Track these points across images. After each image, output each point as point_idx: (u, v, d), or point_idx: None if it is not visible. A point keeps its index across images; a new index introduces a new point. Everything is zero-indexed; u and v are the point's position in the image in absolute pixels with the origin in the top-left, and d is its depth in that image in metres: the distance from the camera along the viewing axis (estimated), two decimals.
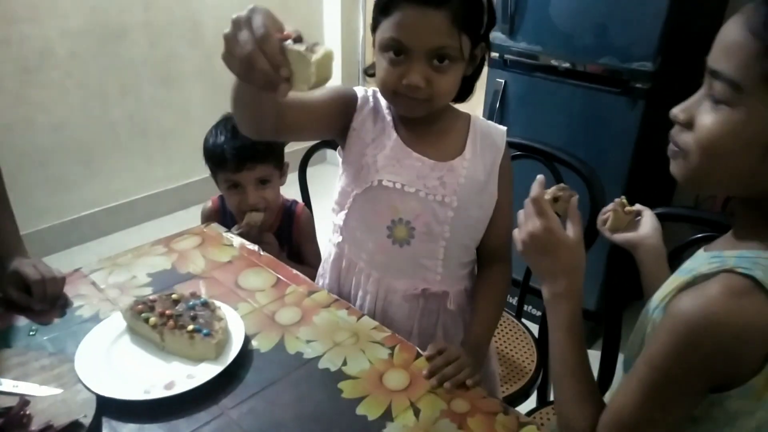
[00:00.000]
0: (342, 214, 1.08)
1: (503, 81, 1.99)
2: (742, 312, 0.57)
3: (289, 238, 1.45)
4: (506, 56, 1.97)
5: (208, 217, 1.46)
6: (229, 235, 1.21)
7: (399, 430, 0.75)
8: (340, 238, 1.11)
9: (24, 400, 0.74)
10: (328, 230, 1.14)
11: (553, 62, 1.85)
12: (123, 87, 2.66)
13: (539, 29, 1.86)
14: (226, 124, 1.35)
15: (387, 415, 0.78)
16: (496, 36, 1.95)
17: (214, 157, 1.34)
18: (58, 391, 0.77)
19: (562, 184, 0.81)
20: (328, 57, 0.64)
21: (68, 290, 1.01)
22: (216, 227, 1.25)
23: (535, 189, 0.76)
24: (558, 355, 0.74)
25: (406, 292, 1.05)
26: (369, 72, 1.01)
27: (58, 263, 1.03)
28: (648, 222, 0.94)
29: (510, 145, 1.43)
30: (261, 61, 0.64)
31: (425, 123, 1.01)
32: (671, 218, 1.13)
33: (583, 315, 0.75)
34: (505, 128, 1.07)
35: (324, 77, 0.66)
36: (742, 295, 0.57)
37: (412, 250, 1.03)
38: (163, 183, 2.99)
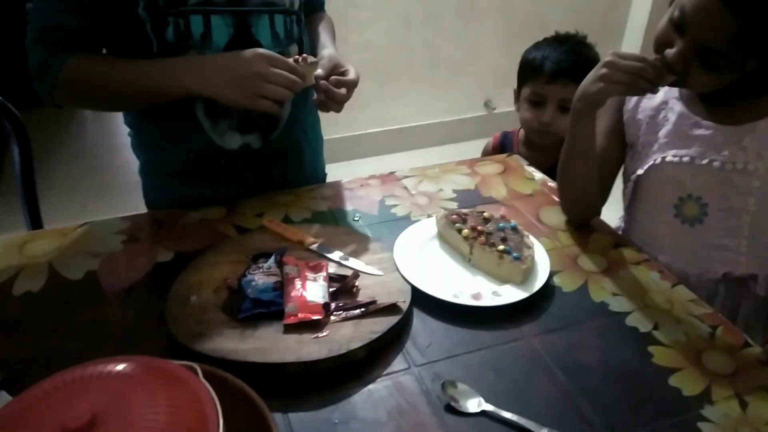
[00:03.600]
0: (626, 195, 1.03)
1: None
2: None
3: None
4: None
5: (487, 153, 1.47)
6: (531, 168, 1.19)
7: (721, 418, 0.66)
8: (624, 220, 1.07)
9: (356, 273, 0.82)
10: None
11: None
12: (426, 15, 2.77)
13: None
14: (554, 38, 1.35)
15: (705, 396, 0.69)
16: None
17: (530, 64, 1.34)
18: (380, 273, 0.84)
19: None
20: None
21: (384, 189, 1.10)
22: (518, 158, 1.23)
23: None
24: None
25: (701, 277, 0.94)
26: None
27: (339, 172, 1.15)
28: None
29: None
30: (646, 71, 0.81)
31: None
32: None
33: None
34: None
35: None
36: None
37: (705, 229, 0.92)
38: (442, 114, 3.10)
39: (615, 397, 0.69)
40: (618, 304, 0.83)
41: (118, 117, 1.10)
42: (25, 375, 0.53)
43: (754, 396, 0.69)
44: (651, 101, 0.96)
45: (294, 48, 1.00)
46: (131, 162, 1.12)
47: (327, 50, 1.03)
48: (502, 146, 1.47)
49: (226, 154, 0.99)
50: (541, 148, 1.36)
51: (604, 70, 0.83)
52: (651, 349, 0.75)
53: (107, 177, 2.79)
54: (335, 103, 0.96)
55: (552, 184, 1.12)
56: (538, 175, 1.16)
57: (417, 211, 1.03)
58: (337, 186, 1.11)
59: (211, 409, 0.48)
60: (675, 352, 0.75)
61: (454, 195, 1.09)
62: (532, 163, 1.21)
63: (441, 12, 2.78)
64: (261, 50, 0.85)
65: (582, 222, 1.01)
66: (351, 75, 0.96)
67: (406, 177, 1.14)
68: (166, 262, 0.90)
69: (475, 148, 1.68)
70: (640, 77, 0.80)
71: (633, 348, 0.76)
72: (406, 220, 1.00)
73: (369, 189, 1.10)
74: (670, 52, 0.81)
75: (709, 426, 0.65)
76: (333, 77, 0.95)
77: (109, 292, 0.84)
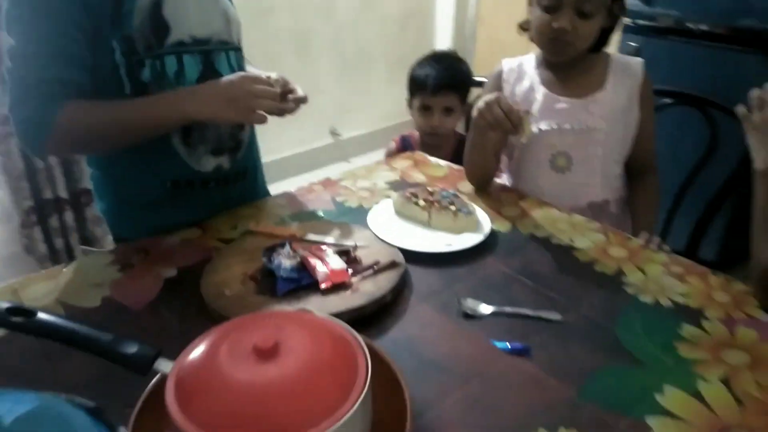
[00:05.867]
0: (511, 159, 1.36)
1: (637, 45, 2.15)
2: None
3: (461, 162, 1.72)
4: (639, 21, 2.13)
5: (391, 155, 1.73)
6: (434, 159, 1.46)
7: (634, 280, 0.97)
8: (508, 177, 1.39)
9: (355, 245, 1.00)
10: None
11: (689, 25, 2.00)
12: (268, 58, 2.96)
13: None
14: (433, 57, 1.65)
15: (621, 273, 1.00)
16: (631, 3, 2.12)
17: (417, 81, 1.63)
18: (368, 245, 1.02)
19: None
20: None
21: (330, 191, 1.28)
22: (421, 154, 1.50)
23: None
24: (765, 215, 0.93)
25: (573, 208, 1.27)
26: (523, 27, 1.27)
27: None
28: None
29: (662, 93, 1.64)
30: (506, 123, 1.09)
31: (568, 68, 1.25)
32: None
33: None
34: (642, 59, 1.30)
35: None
36: None
37: (573, 174, 1.29)
38: (290, 147, 3.30)
39: (549, 273, 0.97)
40: (540, 231, 1.12)
41: None
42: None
43: (648, 266, 1.02)
44: (521, 87, 1.30)
45: None
46: None
47: (271, 72, 1.18)
48: (403, 148, 1.74)
49: (200, 177, 1.09)
50: (434, 147, 1.65)
51: (481, 108, 1.12)
52: (574, 253, 1.05)
53: None
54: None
55: (455, 167, 1.41)
56: (443, 162, 1.44)
57: (366, 201, 1.24)
58: (288, 195, 1.27)
59: (360, 351, 0.62)
60: (592, 251, 1.06)
61: (389, 186, 1.31)
62: None
63: (280, 54, 3.01)
64: (244, 73, 0.99)
65: (484, 187, 1.30)
66: (300, 92, 1.12)
67: (342, 179, 1.34)
68: (173, 277, 0.98)
69: (329, 173, 1.87)
70: (501, 125, 1.10)
71: (557, 257, 1.05)
72: (361, 209, 1.20)
73: (316, 193, 1.28)
74: (556, 23, 1.15)
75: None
76: (287, 87, 1.10)
77: (136, 307, 0.90)
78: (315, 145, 3.36)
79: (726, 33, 1.93)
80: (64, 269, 0.99)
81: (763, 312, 0.90)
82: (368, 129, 3.57)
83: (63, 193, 2.22)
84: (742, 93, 1.98)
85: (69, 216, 2.26)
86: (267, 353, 0.57)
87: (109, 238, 1.19)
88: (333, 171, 1.78)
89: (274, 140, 3.17)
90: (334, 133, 3.41)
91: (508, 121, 1.09)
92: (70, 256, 2.29)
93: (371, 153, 3.40)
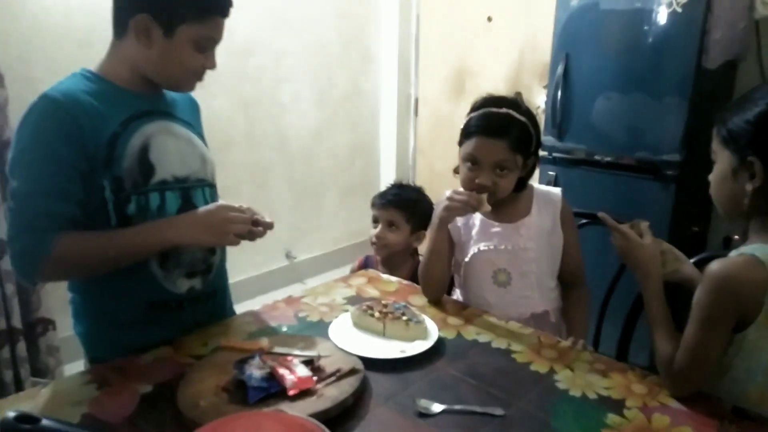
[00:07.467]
0: (459, 277, 1.53)
1: (554, 174, 2.47)
2: (745, 272, 0.97)
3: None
4: (555, 154, 2.47)
5: (354, 270, 1.89)
6: (386, 276, 1.62)
7: (564, 377, 1.12)
8: (461, 293, 1.55)
9: (318, 355, 1.11)
10: None
11: (597, 157, 2.34)
12: (226, 188, 3.13)
13: (582, 132, 2.38)
14: (394, 185, 1.95)
15: (553, 372, 1.14)
16: (547, 139, 2.47)
17: (375, 197, 1.91)
18: (330, 354, 1.13)
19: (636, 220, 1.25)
20: None
21: (293, 307, 1.40)
22: (374, 272, 1.66)
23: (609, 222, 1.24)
24: (652, 315, 1.13)
25: (519, 318, 1.44)
26: (456, 172, 1.50)
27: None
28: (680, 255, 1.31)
29: (578, 215, 1.90)
30: (471, 201, 1.31)
31: (498, 201, 1.45)
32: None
33: None
34: (560, 189, 1.55)
35: None
36: (747, 264, 0.98)
37: (513, 288, 1.47)
38: (247, 271, 3.40)
39: (491, 373, 1.10)
40: (482, 338, 1.27)
41: None
42: None
43: (575, 364, 1.17)
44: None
45: None
46: None
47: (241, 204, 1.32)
48: (365, 266, 1.90)
49: (175, 298, 1.20)
50: (393, 267, 1.83)
51: (447, 202, 1.33)
52: (512, 355, 1.20)
53: None
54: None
55: (405, 282, 1.57)
56: (393, 278, 1.60)
57: (326, 316, 1.36)
58: (253, 313, 1.38)
59: None
60: (526, 353, 1.20)
61: (346, 301, 1.45)
62: None
63: (237, 184, 3.22)
64: (221, 202, 1.15)
65: (438, 299, 1.45)
66: (268, 218, 1.27)
67: (304, 296, 1.47)
68: (149, 392, 1.05)
69: (285, 293, 1.97)
70: (468, 203, 1.32)
71: (499, 358, 1.19)
72: (322, 323, 1.32)
73: (280, 310, 1.39)
74: (479, 180, 1.36)
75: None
76: (254, 217, 1.23)
77: (114, 421, 0.96)
78: (271, 268, 3.47)
79: (627, 163, 2.27)
80: (42, 390, 1.05)
81: (674, 400, 1.05)
82: (321, 251, 3.74)
83: (17, 323, 2.22)
84: (643, 211, 2.30)
85: (21, 346, 2.24)
86: None
87: (61, 369, 1.25)
88: (288, 292, 1.91)
89: (233, 264, 3.27)
90: (289, 256, 3.55)
91: (469, 201, 1.31)
92: (18, 388, 2.23)
93: (324, 274, 3.54)
